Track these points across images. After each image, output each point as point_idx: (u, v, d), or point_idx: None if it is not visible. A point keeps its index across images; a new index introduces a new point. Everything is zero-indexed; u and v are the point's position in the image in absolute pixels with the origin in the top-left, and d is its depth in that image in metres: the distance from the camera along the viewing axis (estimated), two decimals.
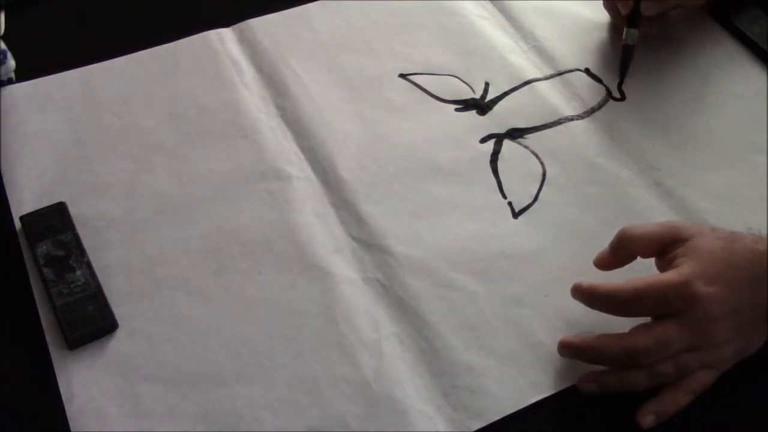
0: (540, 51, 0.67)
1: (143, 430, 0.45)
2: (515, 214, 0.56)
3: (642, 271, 0.48)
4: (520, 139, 0.60)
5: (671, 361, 0.45)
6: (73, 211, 0.54)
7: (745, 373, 0.47)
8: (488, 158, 0.59)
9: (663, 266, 0.48)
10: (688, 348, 0.45)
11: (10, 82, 0.63)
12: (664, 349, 0.45)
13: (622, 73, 0.64)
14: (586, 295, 0.48)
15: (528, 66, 0.65)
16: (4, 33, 0.62)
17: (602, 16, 0.68)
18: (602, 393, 0.47)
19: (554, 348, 0.48)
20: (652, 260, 0.49)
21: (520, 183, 0.57)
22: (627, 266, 0.50)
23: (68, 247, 0.52)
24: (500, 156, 0.59)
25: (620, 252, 0.50)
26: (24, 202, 0.55)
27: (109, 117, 0.61)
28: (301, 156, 0.59)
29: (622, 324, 0.47)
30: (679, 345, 0.45)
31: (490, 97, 0.63)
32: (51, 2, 0.69)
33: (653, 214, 0.55)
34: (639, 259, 0.50)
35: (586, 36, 0.68)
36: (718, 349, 0.46)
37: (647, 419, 0.46)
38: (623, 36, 0.64)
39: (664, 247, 0.48)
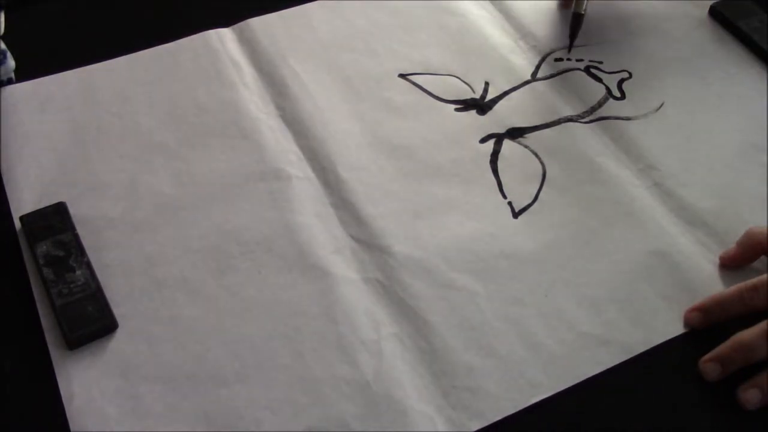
0: (540, 51, 0.67)
1: (143, 430, 0.45)
2: (515, 214, 0.56)
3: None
4: (520, 139, 0.60)
5: None
6: (73, 211, 0.54)
7: None
8: (488, 158, 0.59)
9: None
10: None
11: (10, 82, 0.63)
12: None
13: (571, 40, 0.66)
14: (702, 311, 0.49)
15: (528, 66, 0.65)
16: (4, 33, 0.62)
17: (602, 15, 0.68)
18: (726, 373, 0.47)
19: (554, 348, 0.48)
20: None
21: (520, 183, 0.57)
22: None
23: (68, 247, 0.52)
24: (500, 156, 0.59)
25: (747, 246, 0.51)
26: (24, 202, 0.55)
27: (109, 117, 0.61)
28: (301, 156, 0.59)
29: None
30: None
31: (490, 96, 0.63)
32: (51, 2, 0.69)
33: (653, 214, 0.55)
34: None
35: (586, 36, 0.67)
36: None
37: (748, 393, 0.46)
38: (573, 6, 0.66)
39: None
